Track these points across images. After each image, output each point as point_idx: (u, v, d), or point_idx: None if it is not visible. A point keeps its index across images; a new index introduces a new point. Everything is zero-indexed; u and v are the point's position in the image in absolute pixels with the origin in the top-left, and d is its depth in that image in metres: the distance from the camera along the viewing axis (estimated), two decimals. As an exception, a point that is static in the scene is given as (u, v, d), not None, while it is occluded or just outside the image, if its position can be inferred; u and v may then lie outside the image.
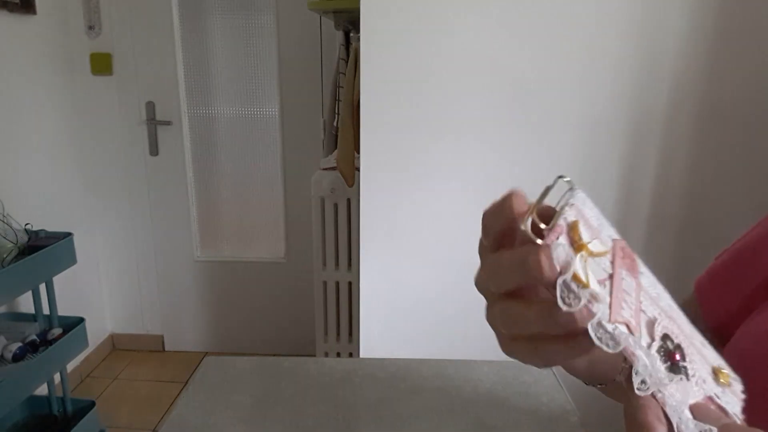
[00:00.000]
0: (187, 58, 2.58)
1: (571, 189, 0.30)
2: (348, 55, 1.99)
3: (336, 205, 2.17)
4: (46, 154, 2.31)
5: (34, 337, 1.84)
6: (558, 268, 0.28)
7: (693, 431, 0.29)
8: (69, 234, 1.94)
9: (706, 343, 0.34)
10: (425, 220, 1.43)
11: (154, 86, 2.57)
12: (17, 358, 1.74)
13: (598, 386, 0.45)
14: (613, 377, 0.43)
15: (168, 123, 2.61)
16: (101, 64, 2.51)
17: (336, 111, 2.11)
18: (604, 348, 0.29)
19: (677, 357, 0.31)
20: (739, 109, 1.35)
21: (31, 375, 1.75)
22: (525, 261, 0.29)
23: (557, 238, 0.29)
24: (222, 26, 2.56)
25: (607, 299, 0.29)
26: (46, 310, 1.94)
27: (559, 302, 0.28)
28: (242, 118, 2.65)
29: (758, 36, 1.31)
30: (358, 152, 1.58)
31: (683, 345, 0.31)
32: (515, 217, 0.30)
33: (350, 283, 2.24)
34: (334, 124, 2.11)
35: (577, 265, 0.29)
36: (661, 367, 0.30)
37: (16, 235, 1.73)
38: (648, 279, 0.33)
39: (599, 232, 0.31)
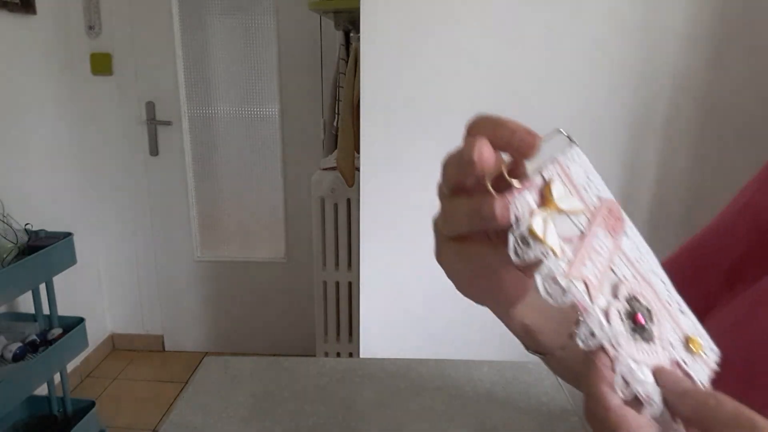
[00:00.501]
0: (187, 58, 2.58)
1: (568, 144, 0.31)
2: (348, 55, 1.99)
3: (336, 205, 2.17)
4: (46, 153, 2.31)
5: (34, 337, 1.84)
6: (514, 220, 0.29)
7: (652, 394, 0.28)
8: (69, 234, 1.94)
9: (688, 312, 0.33)
10: (425, 220, 1.42)
11: (154, 86, 2.57)
12: (17, 358, 1.74)
13: (541, 356, 0.44)
14: (557, 346, 0.43)
15: (168, 123, 2.60)
16: (101, 64, 2.51)
17: (336, 111, 2.11)
18: (550, 301, 0.29)
19: (641, 319, 0.30)
20: (739, 109, 1.35)
21: (31, 375, 1.75)
22: (479, 210, 0.29)
23: (523, 192, 0.29)
24: (222, 26, 2.56)
25: (570, 255, 0.29)
26: (46, 310, 1.94)
27: (511, 253, 0.29)
28: (242, 118, 2.65)
29: (758, 36, 1.31)
30: (358, 152, 1.58)
31: (654, 309, 0.31)
32: (474, 169, 0.29)
33: (350, 283, 2.24)
34: (334, 124, 2.11)
35: (536, 220, 0.29)
36: (619, 324, 0.29)
37: (16, 235, 1.73)
38: (632, 242, 0.32)
39: (583, 190, 0.31)
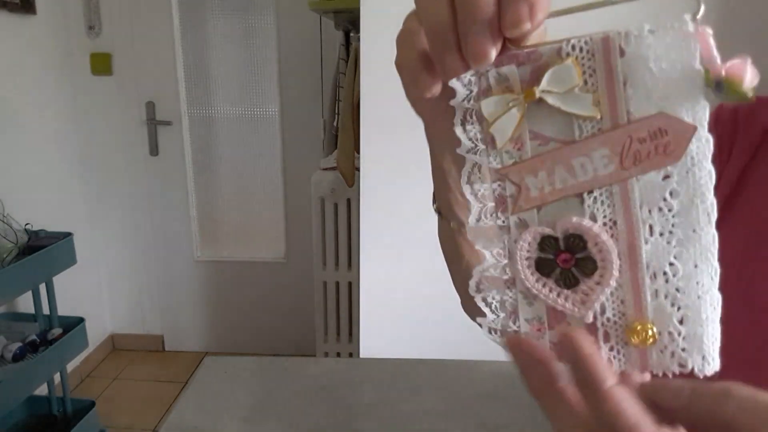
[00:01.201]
0: (187, 58, 2.58)
1: (635, 35, 0.25)
2: (348, 55, 1.99)
3: (336, 205, 2.17)
4: (46, 154, 2.31)
5: (34, 337, 1.84)
6: (465, 90, 0.26)
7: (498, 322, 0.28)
8: (69, 234, 1.94)
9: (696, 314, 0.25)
10: (425, 220, 1.42)
11: (154, 86, 2.57)
12: (17, 358, 1.74)
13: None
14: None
15: (168, 123, 2.60)
16: (101, 64, 2.51)
17: (336, 111, 2.11)
18: (466, 188, 0.27)
19: (563, 258, 0.26)
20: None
21: (31, 375, 1.75)
22: (443, 57, 0.26)
23: (503, 64, 0.26)
24: (222, 26, 2.56)
25: (526, 155, 0.26)
26: (46, 310, 1.94)
27: (456, 122, 0.27)
28: (242, 118, 2.65)
29: (759, 36, 1.31)
30: (358, 152, 1.58)
31: (606, 267, 0.25)
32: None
33: (350, 283, 2.24)
34: (334, 124, 2.11)
35: (491, 100, 0.26)
36: (526, 243, 0.26)
37: (16, 235, 1.73)
38: (659, 197, 0.25)
39: (622, 97, 0.24)
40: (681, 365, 0.25)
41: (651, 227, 0.25)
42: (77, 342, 1.97)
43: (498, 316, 0.28)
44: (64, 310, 2.04)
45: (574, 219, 0.25)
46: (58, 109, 2.38)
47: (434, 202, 0.43)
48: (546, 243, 0.26)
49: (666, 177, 0.24)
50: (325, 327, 2.33)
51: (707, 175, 0.24)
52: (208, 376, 0.95)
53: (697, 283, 0.25)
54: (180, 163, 2.66)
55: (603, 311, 0.26)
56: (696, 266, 0.25)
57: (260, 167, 2.72)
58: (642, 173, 0.24)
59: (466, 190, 0.28)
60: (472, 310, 0.35)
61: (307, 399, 0.90)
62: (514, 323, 0.28)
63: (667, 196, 0.24)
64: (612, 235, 0.25)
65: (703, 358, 0.25)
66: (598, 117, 0.25)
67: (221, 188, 2.77)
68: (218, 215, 2.81)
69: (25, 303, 2.05)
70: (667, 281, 0.25)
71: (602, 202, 0.25)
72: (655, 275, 0.25)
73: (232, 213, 2.80)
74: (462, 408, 0.89)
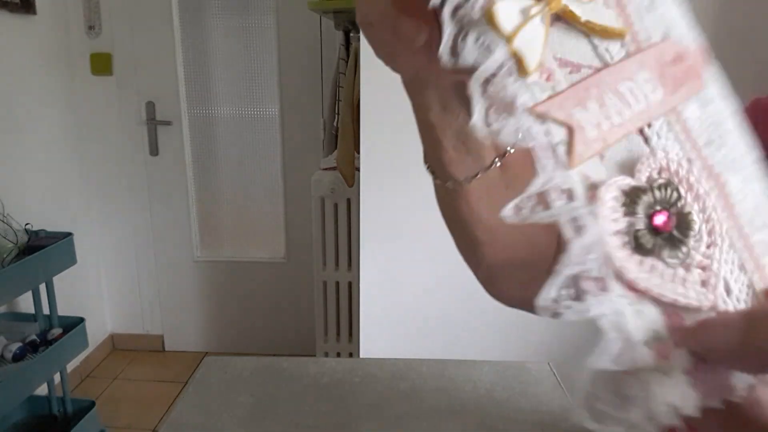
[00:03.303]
0: (187, 58, 2.58)
1: None
2: (348, 55, 1.99)
3: (336, 205, 2.17)
4: (46, 154, 2.31)
5: (34, 337, 1.84)
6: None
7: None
8: (69, 234, 1.94)
9: None
10: (425, 220, 1.43)
11: (154, 86, 2.57)
12: (17, 358, 1.74)
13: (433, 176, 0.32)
14: (464, 175, 0.27)
15: (168, 123, 2.60)
16: (101, 64, 2.51)
17: (336, 111, 2.11)
18: (483, 133, 0.19)
19: (660, 220, 0.18)
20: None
21: (31, 375, 1.75)
22: None
23: None
24: (222, 26, 2.56)
25: (561, 85, 0.19)
26: (46, 310, 1.94)
27: (443, 47, 0.19)
28: (242, 118, 2.65)
29: (759, 37, 1.31)
30: (358, 152, 1.58)
31: (701, 213, 0.18)
32: None
33: (350, 283, 2.24)
34: (334, 124, 2.11)
35: (507, 6, 0.18)
36: (608, 210, 0.18)
37: (16, 235, 1.73)
38: (711, 117, 0.19)
39: (638, 15, 0.20)
40: None
41: (736, 173, 0.18)
42: (77, 342, 1.97)
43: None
44: (64, 310, 2.04)
45: (658, 157, 0.19)
46: (58, 109, 2.38)
47: (425, 161, 0.38)
48: (634, 200, 0.18)
49: (706, 105, 0.19)
50: (325, 327, 2.33)
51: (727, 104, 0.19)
52: (208, 376, 0.95)
53: None
54: (180, 163, 2.66)
55: (729, 290, 0.18)
56: None
57: (260, 167, 2.72)
58: (685, 99, 0.19)
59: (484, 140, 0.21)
60: (493, 284, 0.26)
61: (307, 399, 0.90)
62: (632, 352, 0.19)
63: (727, 132, 0.19)
64: (695, 177, 0.19)
65: None
66: (626, 36, 0.19)
67: (221, 188, 2.77)
68: (218, 215, 2.81)
69: (25, 303, 2.05)
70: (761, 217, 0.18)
71: (667, 137, 0.19)
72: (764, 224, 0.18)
73: (232, 213, 2.80)
74: (462, 408, 0.89)
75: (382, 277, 1.50)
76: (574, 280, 0.19)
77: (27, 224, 1.87)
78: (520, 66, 0.19)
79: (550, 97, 0.19)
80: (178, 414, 0.85)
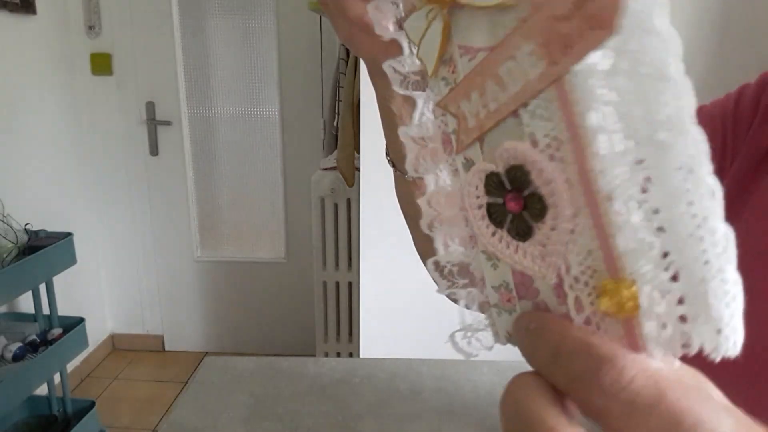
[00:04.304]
0: (187, 58, 2.58)
1: None
2: (348, 55, 1.99)
3: (336, 205, 2.17)
4: (46, 154, 2.31)
5: (34, 337, 1.84)
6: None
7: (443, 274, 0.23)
8: (69, 234, 1.94)
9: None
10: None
11: (154, 86, 2.57)
12: (17, 358, 1.74)
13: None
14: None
15: (168, 123, 2.60)
16: (101, 64, 2.51)
17: (336, 111, 2.11)
18: (410, 129, 0.23)
19: (513, 200, 0.19)
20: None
21: (31, 375, 1.75)
22: None
23: None
24: (222, 26, 2.56)
25: (459, 76, 0.20)
26: (46, 310, 1.94)
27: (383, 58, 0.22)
28: (242, 118, 2.65)
29: (759, 37, 1.31)
30: (358, 152, 1.58)
31: (550, 198, 0.18)
32: None
33: (350, 283, 2.24)
34: (334, 124, 2.11)
35: (415, 16, 0.21)
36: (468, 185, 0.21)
37: (16, 235, 1.73)
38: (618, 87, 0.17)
39: None
40: (684, 344, 0.17)
41: (604, 136, 0.16)
42: (77, 342, 1.97)
43: (453, 283, 0.24)
44: (64, 310, 2.04)
45: (507, 144, 0.19)
46: (58, 109, 2.38)
47: (387, 153, 0.38)
48: (490, 182, 0.20)
49: (608, 60, 0.16)
50: (325, 327, 2.33)
51: (665, 44, 0.16)
52: (208, 376, 0.95)
53: (692, 214, 0.16)
54: (180, 163, 2.66)
55: (568, 268, 0.18)
56: (684, 186, 0.16)
57: (260, 167, 2.72)
58: (576, 62, 0.17)
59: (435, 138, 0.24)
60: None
61: (307, 399, 0.90)
62: (482, 292, 0.23)
63: (617, 84, 0.16)
64: (556, 158, 0.18)
65: (719, 331, 0.16)
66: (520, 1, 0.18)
67: (221, 188, 2.77)
68: (218, 215, 2.81)
69: (25, 303, 2.05)
70: (645, 216, 0.17)
71: (540, 116, 0.18)
72: (626, 208, 0.17)
73: (232, 213, 2.80)
74: (462, 408, 0.89)
75: (382, 277, 1.50)
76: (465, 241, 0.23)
77: (27, 224, 1.87)
78: (425, 70, 0.21)
79: (450, 91, 0.21)
80: (178, 414, 0.85)
